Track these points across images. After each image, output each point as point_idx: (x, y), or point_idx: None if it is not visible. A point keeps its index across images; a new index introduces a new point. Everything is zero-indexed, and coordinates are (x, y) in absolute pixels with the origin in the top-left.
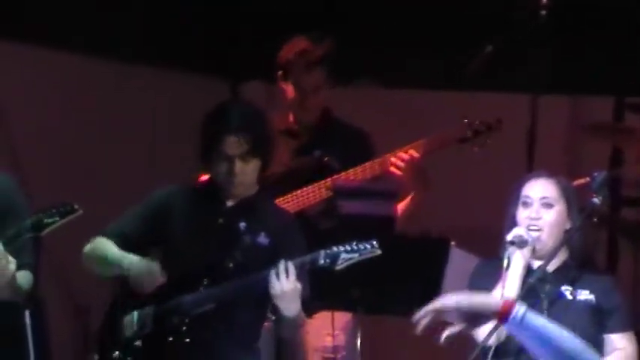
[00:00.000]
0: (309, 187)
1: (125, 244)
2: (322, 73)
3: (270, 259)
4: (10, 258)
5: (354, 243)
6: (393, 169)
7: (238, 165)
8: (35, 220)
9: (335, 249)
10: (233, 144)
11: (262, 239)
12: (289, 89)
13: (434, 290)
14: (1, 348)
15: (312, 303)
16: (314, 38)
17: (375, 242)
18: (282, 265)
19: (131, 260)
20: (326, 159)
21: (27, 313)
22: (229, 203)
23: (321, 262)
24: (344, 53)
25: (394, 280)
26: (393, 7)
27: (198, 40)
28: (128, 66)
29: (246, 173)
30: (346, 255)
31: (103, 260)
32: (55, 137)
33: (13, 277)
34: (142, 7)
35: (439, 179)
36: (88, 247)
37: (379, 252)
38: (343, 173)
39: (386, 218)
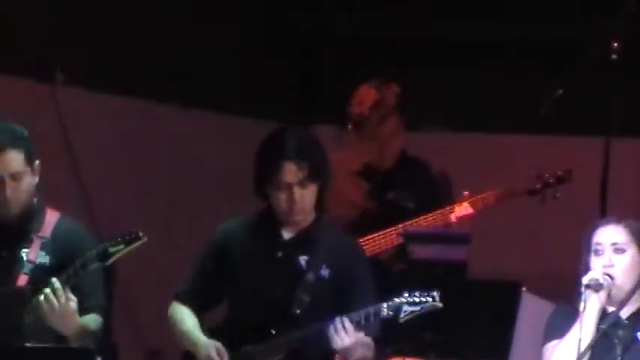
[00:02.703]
0: (381, 233)
1: (200, 304)
2: (396, 121)
3: (336, 290)
4: (71, 296)
5: (416, 294)
6: (453, 219)
7: (297, 192)
8: (100, 249)
9: (397, 300)
10: (291, 171)
11: (324, 271)
12: (364, 141)
13: (505, 334)
14: None
15: (383, 348)
16: (380, 86)
17: (436, 294)
18: (338, 322)
19: (198, 349)
20: (400, 201)
21: None
22: (287, 235)
23: (384, 313)
24: (414, 98)
25: (466, 324)
26: (462, 52)
27: (266, 86)
28: (195, 111)
29: (306, 199)
30: (408, 307)
31: (180, 337)
32: (124, 179)
33: (75, 315)
34: (208, 53)
35: (509, 223)
36: (169, 313)
37: (440, 305)
38: (416, 220)
39: (457, 262)
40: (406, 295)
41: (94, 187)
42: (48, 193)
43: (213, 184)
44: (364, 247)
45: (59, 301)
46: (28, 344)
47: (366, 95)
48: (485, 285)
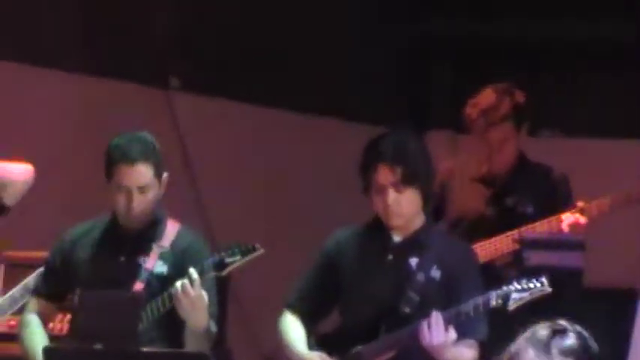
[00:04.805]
0: (497, 238)
1: (311, 313)
2: (508, 128)
3: (446, 291)
4: (203, 292)
5: (524, 281)
6: (565, 228)
7: (391, 195)
8: (217, 259)
9: (505, 288)
10: (384, 173)
11: (435, 272)
12: (476, 145)
13: (622, 343)
14: None
15: (493, 351)
16: (502, 91)
17: (545, 279)
18: (428, 319)
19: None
20: (519, 207)
21: None
22: (397, 238)
23: (493, 302)
24: (530, 103)
25: None
26: (579, 58)
27: (379, 91)
28: (309, 117)
29: (402, 204)
30: (517, 294)
31: (286, 350)
32: (239, 185)
33: (206, 309)
34: (320, 58)
35: (622, 227)
36: (279, 324)
37: (549, 290)
38: (530, 226)
39: (573, 270)
40: (514, 282)
41: (209, 194)
42: (164, 199)
43: (329, 191)
44: (480, 252)
45: (195, 291)
46: (143, 349)
47: (483, 98)
48: (601, 292)
